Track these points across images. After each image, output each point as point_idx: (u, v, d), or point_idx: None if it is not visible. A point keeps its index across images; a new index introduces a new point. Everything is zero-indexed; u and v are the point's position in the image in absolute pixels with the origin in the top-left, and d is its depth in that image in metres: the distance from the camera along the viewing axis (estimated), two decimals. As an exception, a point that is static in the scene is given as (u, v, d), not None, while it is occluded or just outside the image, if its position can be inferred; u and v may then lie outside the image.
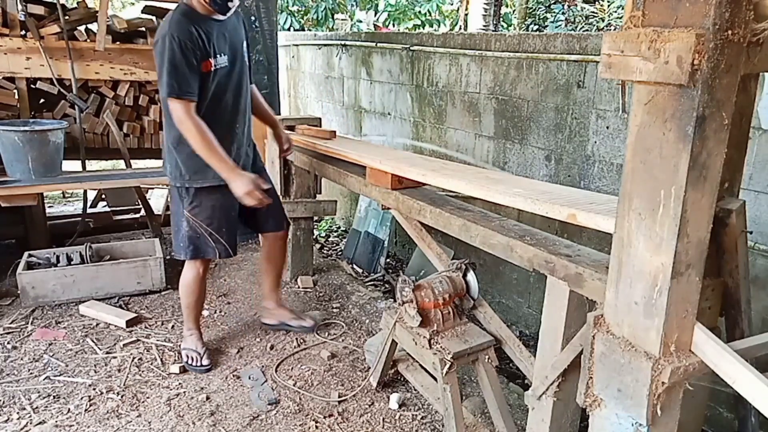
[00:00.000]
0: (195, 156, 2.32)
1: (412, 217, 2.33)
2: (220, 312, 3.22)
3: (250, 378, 2.58)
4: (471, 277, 2.22)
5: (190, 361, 2.64)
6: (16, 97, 3.72)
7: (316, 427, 2.28)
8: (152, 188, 5.27)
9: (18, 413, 2.28)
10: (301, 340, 2.94)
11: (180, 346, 2.74)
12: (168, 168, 2.47)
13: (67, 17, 3.71)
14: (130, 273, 3.30)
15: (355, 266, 4.24)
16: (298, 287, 3.57)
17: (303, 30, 7.94)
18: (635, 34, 1.12)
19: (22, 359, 2.66)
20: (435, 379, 2.20)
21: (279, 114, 4.26)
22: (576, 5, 6.24)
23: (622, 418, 1.28)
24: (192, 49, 2.19)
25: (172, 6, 4.19)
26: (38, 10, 3.67)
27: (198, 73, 2.25)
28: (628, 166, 1.22)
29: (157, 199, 5.26)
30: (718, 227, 1.31)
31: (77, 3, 4.00)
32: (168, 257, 3.86)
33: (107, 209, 4.69)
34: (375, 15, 8.56)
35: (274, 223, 2.76)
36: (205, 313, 3.18)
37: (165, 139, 2.46)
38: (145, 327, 3.00)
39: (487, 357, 2.14)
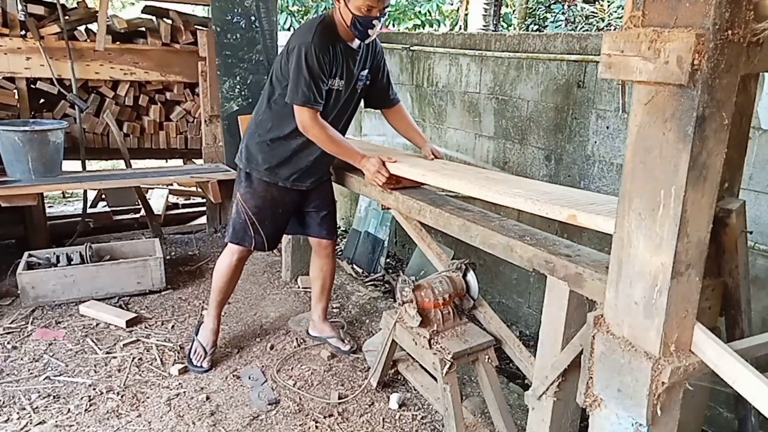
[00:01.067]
0: (265, 151, 2.45)
1: (412, 217, 2.33)
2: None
3: (250, 378, 2.58)
4: (471, 277, 2.22)
5: (193, 357, 2.65)
6: (16, 97, 3.73)
7: (316, 427, 2.28)
8: (152, 188, 5.28)
9: (18, 413, 2.28)
10: (301, 340, 2.94)
11: (196, 333, 2.76)
12: (240, 151, 2.56)
13: (67, 17, 3.71)
14: (130, 273, 3.30)
15: (355, 266, 4.24)
16: (298, 287, 3.57)
17: (303, 30, 7.91)
18: (635, 34, 1.12)
19: (22, 359, 2.66)
20: (435, 379, 2.20)
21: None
22: (576, 5, 6.24)
23: (622, 418, 1.28)
24: (326, 64, 2.23)
25: (172, 6, 4.23)
26: (38, 10, 3.67)
27: (325, 86, 2.28)
28: (628, 166, 1.22)
29: (157, 199, 5.26)
30: (718, 227, 1.31)
31: (77, 3, 4.01)
32: (168, 257, 3.86)
33: (107, 209, 4.69)
34: (375, 15, 8.56)
35: (327, 230, 2.78)
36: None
37: (249, 127, 2.57)
38: (145, 327, 3.00)
39: (487, 357, 2.14)
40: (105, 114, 3.98)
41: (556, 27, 6.38)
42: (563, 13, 6.48)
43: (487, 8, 6.94)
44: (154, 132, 4.24)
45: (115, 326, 2.98)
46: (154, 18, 4.14)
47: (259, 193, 2.51)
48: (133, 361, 2.68)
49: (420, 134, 2.72)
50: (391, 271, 4.21)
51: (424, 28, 8.04)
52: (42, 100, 3.92)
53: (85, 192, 4.33)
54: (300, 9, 8.33)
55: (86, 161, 4.06)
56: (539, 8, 6.81)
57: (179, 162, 4.81)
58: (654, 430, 1.24)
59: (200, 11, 5.64)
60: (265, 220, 2.55)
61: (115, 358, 2.70)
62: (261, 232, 2.55)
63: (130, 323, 2.99)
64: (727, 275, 1.39)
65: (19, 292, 3.13)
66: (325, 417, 2.34)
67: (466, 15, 7.88)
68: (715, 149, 1.11)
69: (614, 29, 5.22)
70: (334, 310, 3.30)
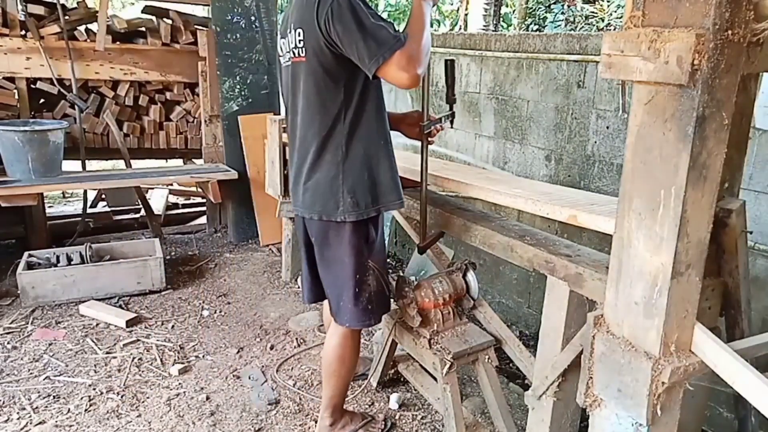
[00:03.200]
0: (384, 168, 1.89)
1: (412, 217, 2.33)
2: (220, 312, 3.22)
3: (250, 378, 2.58)
4: (471, 277, 2.22)
5: None
6: (16, 97, 3.73)
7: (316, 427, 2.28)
8: (152, 188, 5.28)
9: (18, 413, 2.28)
10: (301, 340, 2.94)
11: None
12: (342, 197, 1.84)
13: (67, 17, 3.71)
14: (130, 273, 3.30)
15: (355, 266, 4.23)
16: (298, 287, 3.56)
17: (303, 30, 7.92)
18: (635, 34, 1.12)
19: (22, 359, 2.66)
20: (435, 379, 2.20)
21: (279, 114, 4.27)
22: (576, 5, 6.24)
23: (622, 418, 1.28)
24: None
25: (172, 6, 4.23)
26: (38, 10, 3.68)
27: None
28: (628, 166, 1.22)
29: (157, 199, 5.26)
30: (718, 227, 1.31)
31: (77, 3, 4.01)
32: (168, 257, 3.86)
33: (107, 209, 4.70)
34: (375, 15, 8.57)
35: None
36: (205, 313, 3.19)
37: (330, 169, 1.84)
38: (145, 327, 3.00)
39: (487, 357, 2.14)
40: (105, 114, 3.98)
41: (556, 27, 6.38)
42: (563, 13, 6.48)
43: (487, 8, 6.94)
44: (154, 132, 4.24)
45: (115, 326, 2.98)
46: (154, 18, 4.14)
47: (381, 234, 1.99)
48: (133, 361, 2.68)
49: None
50: (391, 271, 4.21)
51: (424, 28, 8.03)
52: (42, 100, 3.92)
53: (85, 192, 4.33)
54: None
55: (86, 161, 4.06)
56: (539, 8, 6.82)
57: (179, 162, 4.82)
58: (654, 430, 1.24)
59: (200, 11, 5.63)
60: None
61: (115, 358, 2.70)
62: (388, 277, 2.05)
63: (130, 323, 2.99)
64: (727, 275, 1.39)
65: (19, 292, 3.14)
66: (325, 417, 2.34)
67: (466, 15, 7.88)
68: (715, 149, 1.11)
69: (614, 29, 5.22)
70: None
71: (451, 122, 2.08)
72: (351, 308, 1.95)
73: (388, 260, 4.35)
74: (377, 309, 2.00)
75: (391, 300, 2.10)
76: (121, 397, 2.41)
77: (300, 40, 1.74)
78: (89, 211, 4.38)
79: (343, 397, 2.16)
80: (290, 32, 1.78)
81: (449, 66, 2.02)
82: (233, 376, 2.61)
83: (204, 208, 4.74)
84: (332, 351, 2.07)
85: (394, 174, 1.89)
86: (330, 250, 1.92)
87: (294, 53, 1.79)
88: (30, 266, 3.21)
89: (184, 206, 5.23)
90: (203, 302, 3.31)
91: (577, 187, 2.85)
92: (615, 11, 5.55)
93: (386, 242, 2.18)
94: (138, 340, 2.86)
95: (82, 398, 2.39)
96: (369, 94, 1.79)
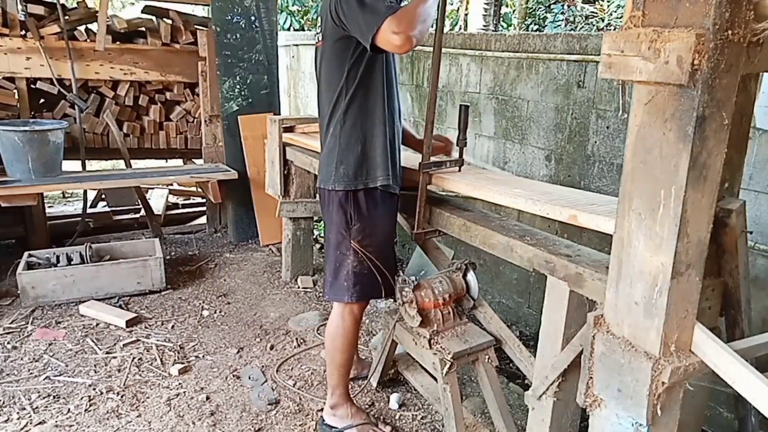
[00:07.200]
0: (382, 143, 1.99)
1: (412, 216, 2.32)
2: (220, 312, 3.22)
3: (250, 378, 2.58)
4: (471, 277, 2.22)
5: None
6: (16, 97, 3.73)
7: (316, 427, 2.28)
8: (152, 188, 5.28)
9: (18, 413, 2.28)
10: (301, 340, 2.94)
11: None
12: (335, 169, 2.00)
13: (67, 17, 3.72)
14: (130, 273, 3.30)
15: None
16: (298, 287, 3.56)
17: (303, 30, 7.95)
18: (635, 34, 1.12)
19: (22, 359, 2.66)
20: (435, 379, 2.19)
21: (279, 114, 4.27)
22: (576, 5, 6.25)
23: (622, 418, 1.28)
24: None
25: (172, 6, 4.23)
26: (38, 10, 3.68)
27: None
28: (628, 166, 1.22)
29: (157, 199, 5.26)
30: (718, 227, 1.31)
31: (77, 3, 4.01)
32: (168, 257, 3.86)
33: (107, 209, 4.70)
34: (375, 15, 8.56)
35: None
36: (205, 313, 3.19)
37: (330, 142, 2.01)
38: (145, 327, 3.00)
39: (487, 357, 2.14)
40: (105, 114, 3.98)
41: (556, 27, 6.39)
42: (563, 13, 6.49)
43: (487, 8, 6.94)
44: (154, 132, 4.24)
45: (115, 326, 2.98)
46: (154, 18, 4.14)
47: (382, 211, 2.05)
48: (133, 361, 2.68)
49: None
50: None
51: (424, 28, 8.02)
52: (42, 100, 3.92)
53: (85, 192, 4.33)
54: (300, 9, 8.33)
55: (86, 161, 4.06)
56: (539, 8, 6.83)
57: (179, 162, 4.82)
58: (654, 430, 1.24)
59: (200, 11, 5.64)
60: (390, 250, 2.15)
61: (115, 358, 2.70)
62: (389, 270, 2.13)
63: (130, 323, 2.99)
64: (727, 275, 1.39)
65: (19, 292, 3.14)
66: (325, 417, 2.34)
67: (466, 15, 7.88)
68: (715, 149, 1.11)
69: (614, 29, 5.22)
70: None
71: (459, 167, 2.18)
72: (330, 280, 2.12)
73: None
74: (357, 289, 2.08)
75: (383, 291, 2.15)
76: (121, 397, 2.42)
77: (320, 26, 2.00)
78: (89, 211, 4.38)
79: (343, 381, 2.23)
80: (319, 20, 2.05)
81: (463, 111, 2.12)
82: (233, 376, 2.61)
83: (204, 208, 4.74)
84: (327, 327, 2.23)
85: (387, 154, 1.98)
86: (325, 221, 2.13)
87: (317, 39, 2.04)
88: (30, 266, 3.21)
89: (184, 206, 5.23)
90: (203, 302, 3.31)
91: (577, 187, 2.84)
92: (615, 11, 5.56)
93: (395, 238, 2.21)
94: (138, 340, 2.86)
95: (82, 398, 2.39)
96: (373, 76, 1.92)
